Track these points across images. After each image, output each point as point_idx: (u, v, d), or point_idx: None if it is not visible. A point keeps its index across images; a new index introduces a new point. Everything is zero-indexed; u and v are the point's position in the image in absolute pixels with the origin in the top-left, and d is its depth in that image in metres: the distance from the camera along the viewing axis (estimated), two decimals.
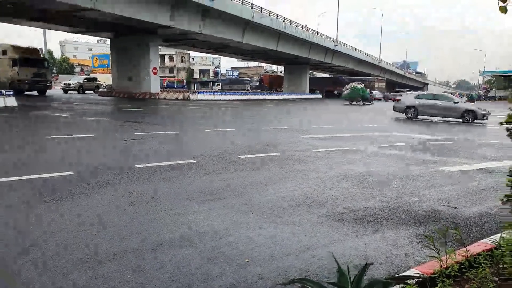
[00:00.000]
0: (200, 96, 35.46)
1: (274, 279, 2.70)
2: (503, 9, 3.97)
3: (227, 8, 29.97)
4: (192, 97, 34.10)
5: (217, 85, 75.53)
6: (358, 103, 37.79)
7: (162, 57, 75.81)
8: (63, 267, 2.77)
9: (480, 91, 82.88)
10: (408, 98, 21.26)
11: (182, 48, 56.36)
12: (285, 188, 5.11)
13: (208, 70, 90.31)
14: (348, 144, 9.39)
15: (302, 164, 6.76)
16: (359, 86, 38.74)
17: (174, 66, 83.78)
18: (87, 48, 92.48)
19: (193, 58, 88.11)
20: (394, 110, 20.84)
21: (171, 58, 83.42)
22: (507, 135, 3.32)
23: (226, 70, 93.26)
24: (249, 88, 71.70)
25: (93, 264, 2.84)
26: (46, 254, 2.98)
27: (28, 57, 28.16)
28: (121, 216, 3.89)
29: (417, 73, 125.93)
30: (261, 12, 34.98)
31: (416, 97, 20.28)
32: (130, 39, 32.31)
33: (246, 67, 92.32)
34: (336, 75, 72.83)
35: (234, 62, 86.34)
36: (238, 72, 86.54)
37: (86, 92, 39.77)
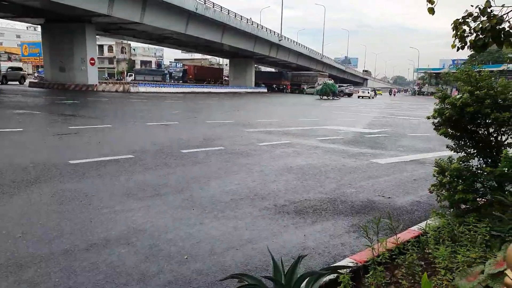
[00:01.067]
0: (142, 88, 34.19)
1: (213, 275, 2.66)
2: (431, 11, 4.21)
3: None
4: (132, 89, 32.78)
5: (129, 75, 68.45)
6: (328, 97, 39.41)
7: (101, 47, 71.80)
8: None
9: (415, 87, 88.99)
10: None
11: (122, 38, 53.72)
12: (228, 182, 5.08)
13: (150, 61, 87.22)
14: (292, 138, 9.58)
15: (246, 158, 6.77)
16: (330, 82, 41.31)
17: (114, 57, 79.85)
18: (14, 35, 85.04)
19: (134, 49, 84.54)
20: None
21: (110, 49, 79.35)
22: (434, 129, 3.56)
23: (170, 61, 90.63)
24: (161, 79, 60.48)
25: (16, 269, 2.61)
26: None
27: None
28: (50, 215, 3.62)
29: (364, 71, 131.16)
30: (205, 3, 34.38)
31: None
32: (63, 27, 30.14)
33: (191, 59, 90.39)
34: (281, 70, 73.98)
35: (178, 53, 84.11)
36: (182, 64, 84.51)
37: (10, 82, 36.30)
